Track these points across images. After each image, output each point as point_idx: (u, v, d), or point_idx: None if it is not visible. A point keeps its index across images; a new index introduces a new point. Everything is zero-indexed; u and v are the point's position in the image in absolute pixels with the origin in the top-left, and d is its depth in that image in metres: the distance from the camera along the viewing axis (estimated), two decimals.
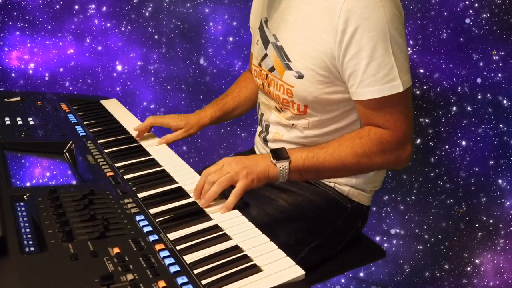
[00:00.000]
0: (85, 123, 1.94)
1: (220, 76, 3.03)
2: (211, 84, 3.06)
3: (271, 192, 1.73)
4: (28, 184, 1.46)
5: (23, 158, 1.64)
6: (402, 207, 2.86)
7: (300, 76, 1.58)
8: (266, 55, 1.71)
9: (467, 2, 2.55)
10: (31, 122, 1.86)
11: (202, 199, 1.40)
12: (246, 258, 1.16)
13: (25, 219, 1.21)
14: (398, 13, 1.47)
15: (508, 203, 2.67)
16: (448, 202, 2.77)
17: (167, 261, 1.10)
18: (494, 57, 2.56)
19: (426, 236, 2.84)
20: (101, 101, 2.24)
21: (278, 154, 1.48)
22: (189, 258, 1.14)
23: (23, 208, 1.26)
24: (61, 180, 1.53)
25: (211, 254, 1.16)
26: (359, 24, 1.43)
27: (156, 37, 3.03)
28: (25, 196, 1.32)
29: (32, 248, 1.11)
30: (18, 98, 2.12)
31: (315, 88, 1.57)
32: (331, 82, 1.56)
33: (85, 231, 1.18)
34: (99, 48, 3.06)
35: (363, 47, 1.44)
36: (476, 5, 2.54)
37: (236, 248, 1.19)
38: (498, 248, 2.72)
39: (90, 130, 1.87)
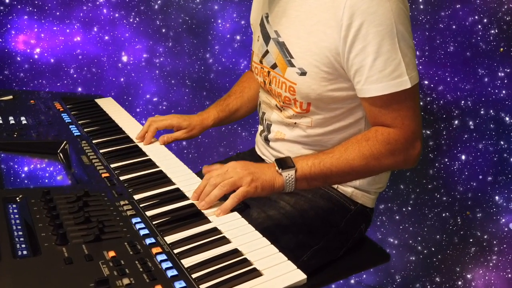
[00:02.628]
0: (79, 122, 1.91)
1: (225, 74, 3.03)
2: (215, 81, 3.05)
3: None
4: (20, 186, 1.43)
5: (16, 159, 1.61)
6: (397, 217, 2.86)
7: (303, 73, 1.54)
8: (267, 51, 1.67)
9: (476, 17, 2.54)
10: (24, 122, 1.83)
11: (201, 201, 1.37)
12: (246, 262, 1.13)
13: (18, 221, 1.19)
14: (404, 7, 1.45)
15: (503, 220, 2.67)
16: (443, 215, 2.77)
17: (164, 265, 1.08)
18: (499, 74, 2.56)
19: (419, 247, 2.84)
20: (96, 100, 2.20)
21: (283, 163, 1.44)
22: (187, 262, 1.12)
23: (15, 210, 1.23)
24: (55, 181, 1.50)
25: (210, 257, 1.14)
26: (365, 19, 1.40)
27: (163, 30, 3.03)
28: (17, 198, 1.29)
29: (24, 252, 1.09)
30: (10, 97, 2.09)
31: (318, 85, 1.54)
32: (335, 79, 1.52)
33: (79, 234, 1.16)
34: (106, 37, 3.06)
35: (369, 42, 1.41)
36: (485, 20, 2.54)
37: (235, 252, 1.17)
38: (491, 264, 2.72)
39: (85, 130, 1.83)
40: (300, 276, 1.10)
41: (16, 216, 1.21)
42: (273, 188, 1.42)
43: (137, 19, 3.03)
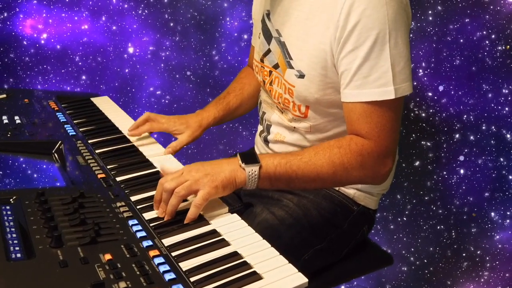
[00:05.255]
0: (74, 122, 1.88)
1: (230, 72, 3.02)
2: (219, 79, 3.05)
3: (274, 193, 1.67)
4: (14, 187, 1.40)
5: (9, 159, 1.58)
6: (392, 227, 2.86)
7: (301, 76, 1.51)
8: (269, 50, 1.64)
9: (484, 33, 2.54)
10: (18, 121, 1.80)
11: (162, 209, 1.30)
12: (245, 265, 1.11)
13: (11, 223, 1.17)
14: (405, 14, 1.40)
15: (497, 236, 2.67)
16: (438, 227, 2.77)
17: (162, 268, 1.06)
18: (504, 90, 2.56)
19: (412, 258, 2.85)
20: (92, 99, 2.16)
21: (248, 158, 1.37)
22: (185, 265, 1.10)
23: (9, 212, 1.21)
24: (50, 182, 1.47)
25: (209, 260, 1.12)
26: (359, 20, 1.35)
27: (171, 24, 3.02)
28: (11, 199, 1.27)
29: (18, 255, 1.07)
30: (4, 96, 2.06)
31: (316, 89, 1.50)
32: (332, 82, 1.48)
33: (75, 236, 1.14)
34: (114, 27, 3.05)
35: (359, 46, 1.37)
36: (493, 36, 2.54)
37: (235, 255, 1.14)
38: (482, 280, 2.72)
39: (80, 130, 1.81)
40: (301, 279, 1.07)
41: (10, 218, 1.19)
42: (234, 184, 1.35)
43: (146, 11, 3.02)
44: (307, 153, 1.42)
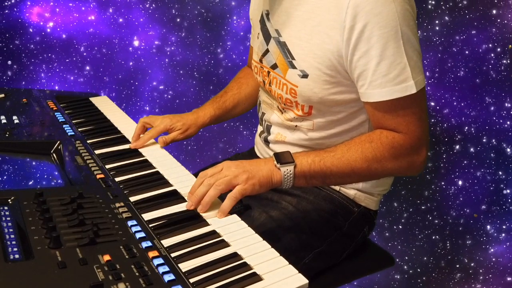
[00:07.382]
0: (73, 122, 1.87)
1: (234, 70, 3.02)
2: (223, 77, 3.05)
3: (273, 195, 1.66)
4: (12, 187, 1.39)
5: (7, 159, 1.57)
6: (387, 234, 2.87)
7: (305, 76, 1.50)
8: (267, 50, 1.62)
9: (489, 45, 2.54)
10: (16, 121, 1.79)
11: (194, 202, 1.32)
12: (245, 266, 1.10)
13: (9, 224, 1.16)
14: (410, 8, 1.40)
15: (492, 250, 2.68)
16: (433, 237, 2.77)
17: (161, 269, 1.05)
18: (506, 104, 2.56)
19: (405, 267, 2.85)
20: (91, 99, 2.16)
21: (282, 158, 1.40)
22: (185, 266, 1.09)
23: (7, 213, 1.20)
24: (48, 182, 1.46)
25: (208, 261, 1.11)
26: (369, 20, 1.35)
27: (178, 20, 3.03)
28: (9, 200, 1.26)
29: (16, 256, 1.06)
30: (2, 95, 2.05)
31: (320, 89, 1.50)
32: (337, 82, 1.48)
33: (73, 237, 1.13)
34: (120, 20, 3.05)
35: (373, 45, 1.36)
36: (498, 49, 2.53)
37: (235, 255, 1.14)
38: None
39: (79, 130, 1.80)
40: (301, 280, 1.07)
41: (8, 218, 1.18)
42: (271, 183, 1.39)
43: (153, 5, 3.03)
44: (339, 150, 1.44)
